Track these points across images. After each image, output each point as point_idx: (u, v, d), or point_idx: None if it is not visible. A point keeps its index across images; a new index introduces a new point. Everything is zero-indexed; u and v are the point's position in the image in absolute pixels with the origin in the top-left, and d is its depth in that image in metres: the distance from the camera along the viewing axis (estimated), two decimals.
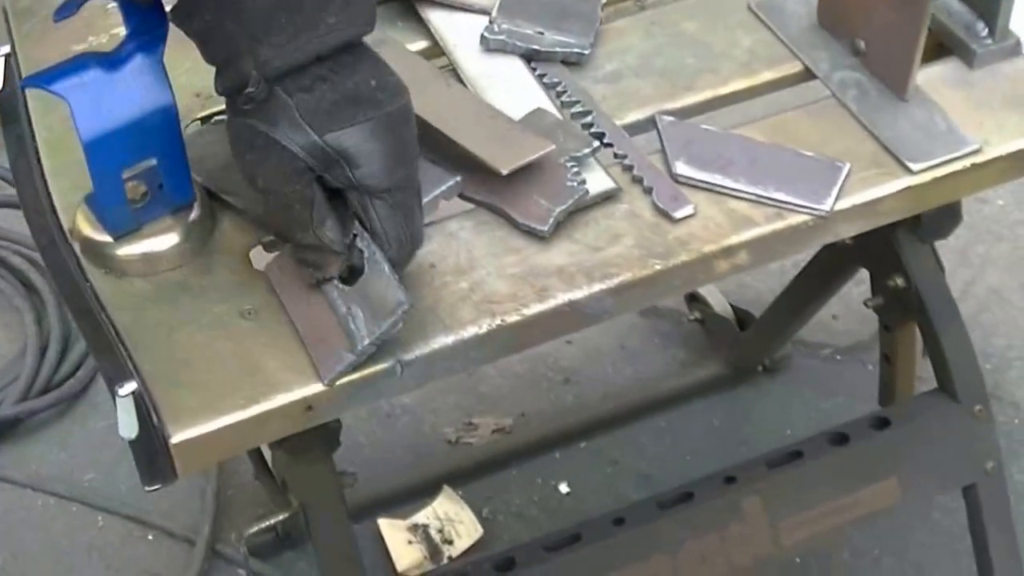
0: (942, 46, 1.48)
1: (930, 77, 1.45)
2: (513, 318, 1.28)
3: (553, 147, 1.35)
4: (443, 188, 1.34)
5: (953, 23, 1.48)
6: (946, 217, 1.59)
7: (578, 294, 1.29)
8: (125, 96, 1.25)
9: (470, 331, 1.27)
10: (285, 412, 1.23)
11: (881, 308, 1.80)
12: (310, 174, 1.20)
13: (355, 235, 1.24)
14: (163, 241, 1.32)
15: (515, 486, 2.19)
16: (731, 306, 2.27)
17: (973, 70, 1.47)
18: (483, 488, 2.19)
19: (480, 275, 1.30)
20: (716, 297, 2.27)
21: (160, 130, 1.27)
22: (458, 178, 1.35)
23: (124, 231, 1.31)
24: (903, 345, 1.90)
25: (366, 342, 1.22)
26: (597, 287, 1.30)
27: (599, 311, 1.31)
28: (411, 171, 1.23)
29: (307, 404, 1.24)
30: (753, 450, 2.04)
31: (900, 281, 1.71)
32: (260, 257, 1.36)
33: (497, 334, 1.28)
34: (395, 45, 1.48)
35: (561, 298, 1.29)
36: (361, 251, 1.23)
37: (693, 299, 2.31)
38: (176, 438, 1.20)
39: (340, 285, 1.25)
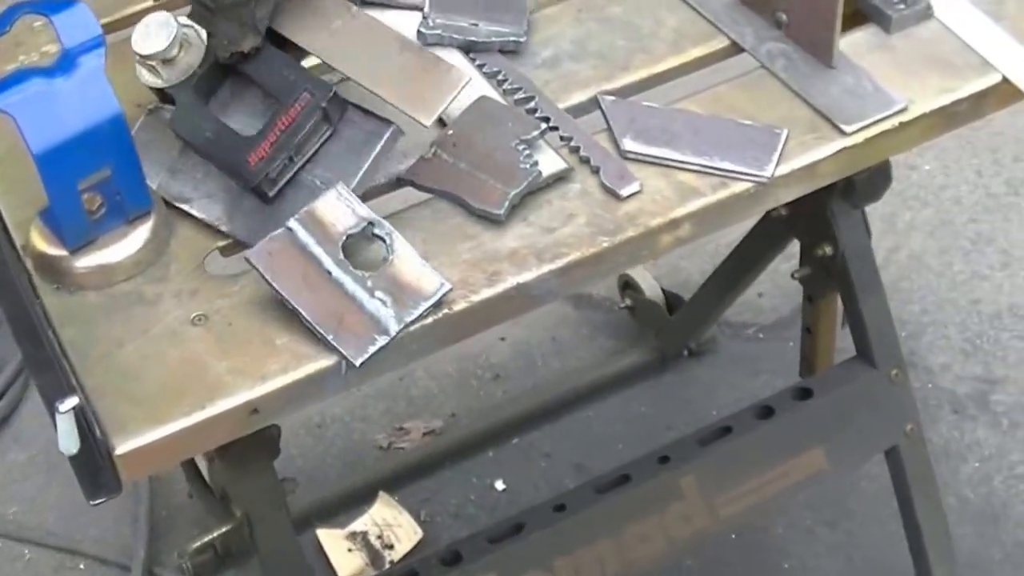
0: (858, 13, 1.55)
1: (852, 43, 1.51)
2: (460, 306, 1.30)
3: (468, 79, 1.38)
4: (383, 141, 1.36)
5: None
6: (877, 179, 1.65)
7: (527, 276, 1.32)
8: (72, 107, 1.27)
9: (416, 323, 1.29)
10: (230, 416, 1.25)
11: (807, 278, 1.85)
12: None
13: (371, 222, 1.29)
14: (119, 251, 1.34)
15: (451, 487, 2.22)
16: (662, 290, 2.32)
17: (891, 34, 1.53)
18: (419, 491, 2.21)
19: (435, 264, 1.32)
20: (648, 282, 2.32)
21: (111, 139, 1.29)
22: (394, 125, 1.37)
23: (81, 243, 1.33)
24: (824, 316, 1.95)
25: (401, 324, 1.26)
26: (546, 268, 1.33)
27: (545, 292, 1.34)
28: None
29: (252, 407, 1.26)
30: (681, 435, 2.08)
31: (828, 249, 1.75)
32: (216, 262, 1.38)
33: (442, 324, 1.30)
34: None
35: (510, 281, 1.32)
36: (381, 238, 1.29)
37: (626, 286, 2.36)
38: (121, 449, 1.21)
39: (360, 271, 1.28)
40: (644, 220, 1.36)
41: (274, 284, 1.28)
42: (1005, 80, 1.49)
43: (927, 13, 1.54)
